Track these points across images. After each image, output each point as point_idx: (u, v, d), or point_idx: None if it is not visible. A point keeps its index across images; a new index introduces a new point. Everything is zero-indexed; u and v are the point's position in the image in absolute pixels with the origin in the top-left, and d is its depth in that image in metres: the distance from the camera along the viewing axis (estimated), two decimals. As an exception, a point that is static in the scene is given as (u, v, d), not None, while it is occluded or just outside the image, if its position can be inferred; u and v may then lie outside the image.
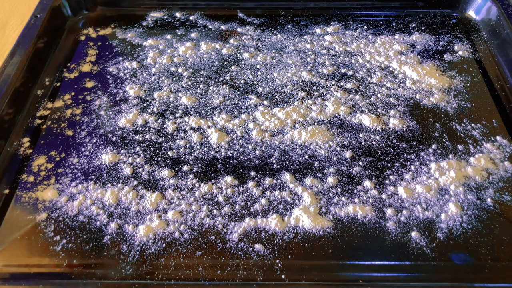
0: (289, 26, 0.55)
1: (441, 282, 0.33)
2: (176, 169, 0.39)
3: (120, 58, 0.51)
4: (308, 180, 0.38)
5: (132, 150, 0.41)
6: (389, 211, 0.36)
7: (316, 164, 0.39)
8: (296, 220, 0.35)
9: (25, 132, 0.43)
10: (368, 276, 0.33)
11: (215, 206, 0.36)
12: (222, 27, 0.56)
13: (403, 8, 0.57)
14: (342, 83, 0.47)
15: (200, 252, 0.34)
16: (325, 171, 0.39)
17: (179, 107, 0.45)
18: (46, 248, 0.34)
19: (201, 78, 0.48)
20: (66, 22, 0.56)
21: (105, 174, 0.39)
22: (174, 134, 0.42)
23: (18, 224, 0.35)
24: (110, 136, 0.42)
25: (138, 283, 0.32)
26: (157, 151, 0.41)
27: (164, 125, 0.43)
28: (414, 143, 0.41)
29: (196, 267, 0.33)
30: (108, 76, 0.49)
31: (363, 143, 0.41)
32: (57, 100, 0.46)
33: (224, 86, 0.47)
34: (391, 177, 0.38)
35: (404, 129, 0.43)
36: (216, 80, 0.48)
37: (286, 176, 0.38)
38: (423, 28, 0.55)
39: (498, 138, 0.41)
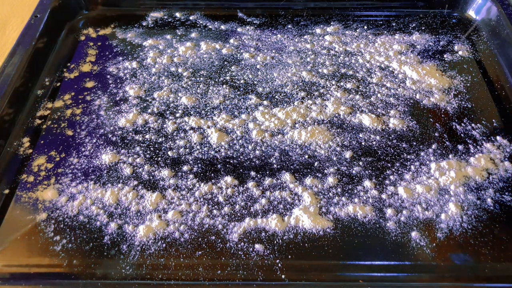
0: (289, 26, 0.55)
1: (441, 282, 0.33)
2: (176, 169, 0.39)
3: (120, 58, 0.51)
4: (308, 180, 0.38)
5: (132, 150, 0.41)
6: (389, 211, 0.36)
7: (316, 164, 0.39)
8: (296, 220, 0.35)
9: (25, 132, 0.43)
10: (368, 276, 0.33)
11: (215, 206, 0.36)
12: (222, 27, 0.56)
13: (403, 8, 0.57)
14: (342, 83, 0.47)
15: (200, 252, 0.34)
16: (325, 171, 0.39)
17: (179, 107, 0.45)
18: (46, 248, 0.34)
19: (201, 78, 0.48)
20: (66, 22, 0.56)
21: (105, 174, 0.39)
22: (174, 134, 0.42)
23: (18, 224, 0.35)
24: (110, 136, 0.42)
25: (138, 283, 0.32)
26: (157, 151, 0.41)
27: (164, 125, 0.43)
28: (414, 143, 0.41)
29: (196, 267, 0.33)
30: (108, 76, 0.49)
31: (363, 143, 0.41)
32: (57, 100, 0.46)
33: (224, 86, 0.47)
34: (391, 177, 0.38)
35: (404, 129, 0.43)
36: (216, 80, 0.48)
37: (286, 176, 0.38)
38: (423, 28, 0.55)
39: (498, 138, 0.41)
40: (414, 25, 0.55)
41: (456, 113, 0.44)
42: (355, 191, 0.37)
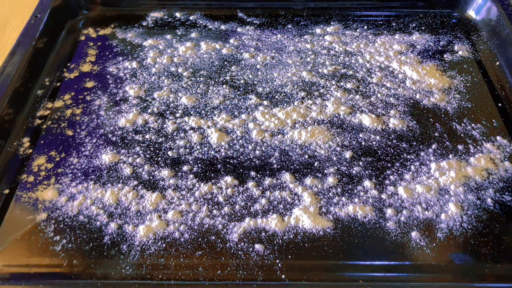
0: (289, 26, 0.55)
1: (441, 282, 0.33)
2: (176, 169, 0.39)
3: (120, 58, 0.51)
4: (308, 180, 0.38)
5: (132, 150, 0.41)
6: (389, 211, 0.36)
7: (316, 164, 0.39)
8: (296, 220, 0.35)
9: (25, 132, 0.43)
10: (368, 276, 0.33)
11: (215, 206, 0.36)
12: (222, 27, 0.55)
13: (403, 8, 0.57)
14: (342, 83, 0.47)
15: (200, 252, 0.34)
16: (325, 171, 0.39)
17: (179, 107, 0.45)
18: (46, 248, 0.34)
19: (201, 78, 0.48)
20: (66, 22, 0.56)
21: (105, 174, 0.39)
22: (174, 134, 0.42)
23: (18, 224, 0.35)
24: (110, 136, 0.42)
25: (138, 283, 0.32)
26: (157, 151, 0.41)
27: (164, 125, 0.43)
28: (414, 143, 0.41)
29: (196, 267, 0.33)
30: (108, 76, 0.49)
31: (363, 143, 0.41)
32: (57, 100, 0.46)
33: (224, 86, 0.47)
34: (391, 177, 0.38)
35: (404, 129, 0.43)
36: (216, 80, 0.48)
37: (286, 176, 0.38)
38: (423, 28, 0.55)
39: (498, 138, 0.41)
40: (414, 25, 0.55)
41: (456, 113, 0.44)
42: (355, 191, 0.37)
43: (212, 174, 0.39)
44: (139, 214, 0.36)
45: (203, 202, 0.37)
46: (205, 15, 0.57)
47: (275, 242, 0.34)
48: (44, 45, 0.50)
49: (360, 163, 0.40)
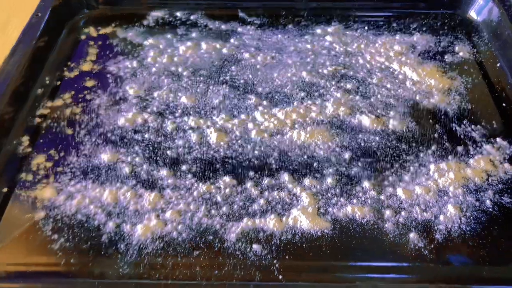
0: (289, 26, 0.55)
1: (440, 283, 0.32)
2: (175, 168, 0.39)
3: (121, 57, 0.51)
4: (306, 181, 0.38)
5: (131, 149, 0.41)
6: (387, 212, 0.36)
7: (315, 164, 0.39)
8: (294, 220, 0.35)
9: (25, 130, 0.43)
10: (366, 277, 0.33)
11: (213, 206, 0.36)
12: (223, 26, 0.55)
13: (404, 8, 0.57)
14: (342, 84, 0.47)
15: (197, 252, 0.34)
16: (324, 171, 0.39)
17: (178, 106, 0.45)
18: (44, 247, 0.34)
19: (201, 78, 0.48)
20: (67, 21, 0.56)
21: (104, 173, 0.39)
22: (173, 133, 0.42)
23: (16, 223, 0.35)
24: (109, 135, 0.42)
25: (136, 282, 0.32)
26: (156, 150, 0.41)
27: (163, 125, 0.43)
28: (414, 144, 0.41)
29: (193, 267, 0.33)
30: (108, 75, 0.49)
31: (362, 144, 0.41)
32: (57, 99, 0.46)
33: (224, 86, 0.47)
34: (390, 178, 0.38)
35: (404, 130, 0.42)
36: (216, 79, 0.48)
37: (285, 177, 0.38)
38: (424, 29, 0.55)
39: (498, 139, 0.41)
40: (415, 26, 0.55)
41: (456, 114, 0.44)
42: (354, 192, 0.37)
43: (211, 174, 0.39)
44: (137, 213, 0.36)
45: (201, 202, 0.37)
46: (206, 14, 0.57)
47: (273, 242, 0.34)
48: (44, 44, 0.50)
49: (359, 164, 0.39)
